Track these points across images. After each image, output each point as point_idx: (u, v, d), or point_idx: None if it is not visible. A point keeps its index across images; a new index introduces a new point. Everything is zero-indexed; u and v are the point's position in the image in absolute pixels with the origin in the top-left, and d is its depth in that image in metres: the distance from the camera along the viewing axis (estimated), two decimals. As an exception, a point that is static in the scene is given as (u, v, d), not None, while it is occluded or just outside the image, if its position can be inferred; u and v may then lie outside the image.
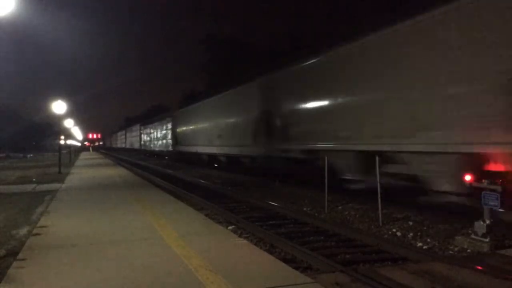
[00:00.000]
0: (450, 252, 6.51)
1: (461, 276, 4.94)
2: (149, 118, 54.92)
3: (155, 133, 45.07)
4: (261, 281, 4.30)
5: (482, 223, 6.37)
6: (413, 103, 8.73)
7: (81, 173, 21.09)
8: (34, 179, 17.93)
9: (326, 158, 10.29)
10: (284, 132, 14.32)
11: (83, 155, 57.73)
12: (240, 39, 47.45)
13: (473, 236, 6.50)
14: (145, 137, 52.72)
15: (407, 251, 6.40)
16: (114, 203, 10.00)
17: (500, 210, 6.41)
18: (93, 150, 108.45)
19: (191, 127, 29.40)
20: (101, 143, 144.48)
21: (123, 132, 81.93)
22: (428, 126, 8.34)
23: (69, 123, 35.72)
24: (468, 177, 6.85)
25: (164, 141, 39.67)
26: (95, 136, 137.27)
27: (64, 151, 34.18)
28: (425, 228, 7.82)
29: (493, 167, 7.11)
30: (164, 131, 39.73)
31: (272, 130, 15.25)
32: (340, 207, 10.19)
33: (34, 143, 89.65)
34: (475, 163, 7.32)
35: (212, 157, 24.61)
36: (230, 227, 8.31)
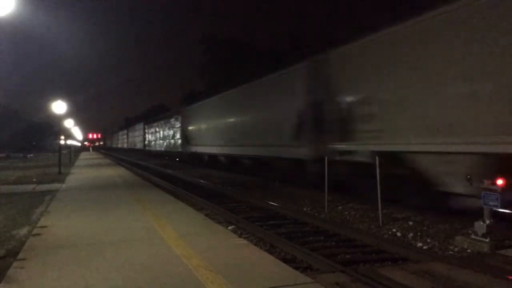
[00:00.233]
0: (450, 252, 6.51)
1: (461, 276, 4.95)
2: (154, 116, 50.93)
3: (161, 132, 40.39)
4: (261, 281, 4.31)
5: (482, 223, 6.37)
6: None
7: (81, 173, 21.10)
8: (34, 179, 17.93)
9: (326, 158, 10.19)
10: (343, 127, 10.96)
11: (83, 155, 57.71)
12: (240, 39, 47.37)
13: (473, 236, 6.50)
14: (150, 137, 48.11)
15: (407, 251, 6.40)
16: (114, 203, 10.00)
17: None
18: (93, 150, 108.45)
19: (204, 126, 25.76)
20: (101, 143, 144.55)
21: (125, 131, 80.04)
22: None
23: (69, 123, 35.70)
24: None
25: (173, 140, 35.19)
26: (95, 136, 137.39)
27: (64, 151, 34.19)
28: (425, 228, 7.82)
29: None
30: (173, 129, 35.23)
31: (325, 125, 11.92)
32: (340, 207, 10.19)
33: (34, 143, 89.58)
34: None
35: (232, 160, 20.89)
36: (230, 227, 8.32)
